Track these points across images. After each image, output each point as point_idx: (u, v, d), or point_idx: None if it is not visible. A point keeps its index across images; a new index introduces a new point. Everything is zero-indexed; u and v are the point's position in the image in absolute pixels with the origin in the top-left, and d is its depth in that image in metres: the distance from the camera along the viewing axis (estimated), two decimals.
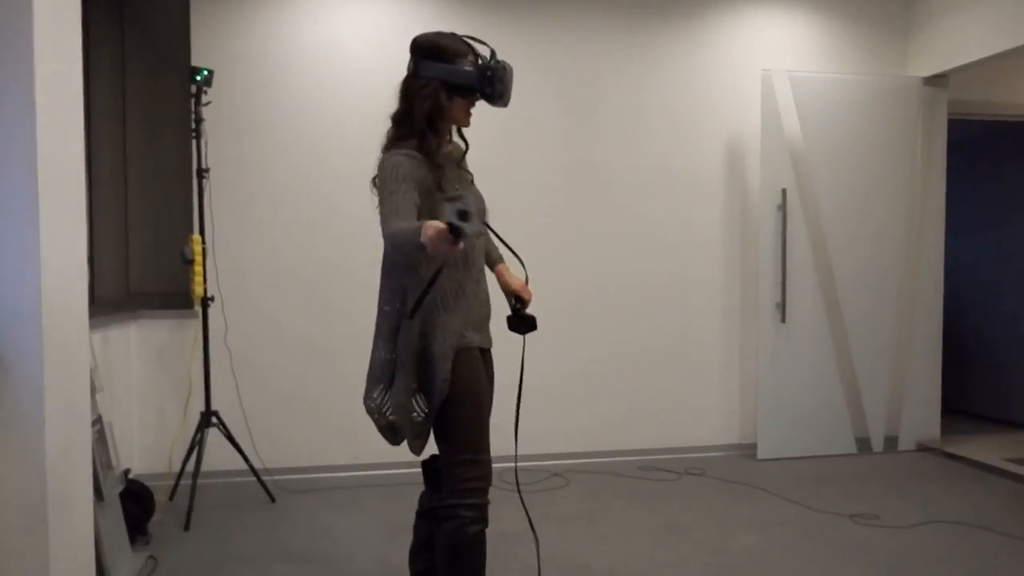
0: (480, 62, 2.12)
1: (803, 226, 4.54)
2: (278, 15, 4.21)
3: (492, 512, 2.10)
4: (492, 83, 2.08)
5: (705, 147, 4.68)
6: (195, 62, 4.02)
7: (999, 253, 5.62)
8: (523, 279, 2.36)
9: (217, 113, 4.03)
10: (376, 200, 2.07)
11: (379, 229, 1.98)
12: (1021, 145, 5.44)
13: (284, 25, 4.22)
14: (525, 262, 2.29)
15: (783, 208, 4.48)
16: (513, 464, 2.55)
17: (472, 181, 2.30)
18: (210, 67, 3.83)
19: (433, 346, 2.07)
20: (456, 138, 2.29)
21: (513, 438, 2.29)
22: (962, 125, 5.30)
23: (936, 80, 4.70)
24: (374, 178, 2.11)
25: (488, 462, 2.13)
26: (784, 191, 4.48)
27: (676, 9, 4.61)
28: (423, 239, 1.79)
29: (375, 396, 2.17)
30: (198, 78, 3.68)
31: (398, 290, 2.13)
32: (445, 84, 2.09)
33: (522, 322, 2.26)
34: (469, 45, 2.15)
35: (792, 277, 4.53)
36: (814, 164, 4.55)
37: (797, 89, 4.50)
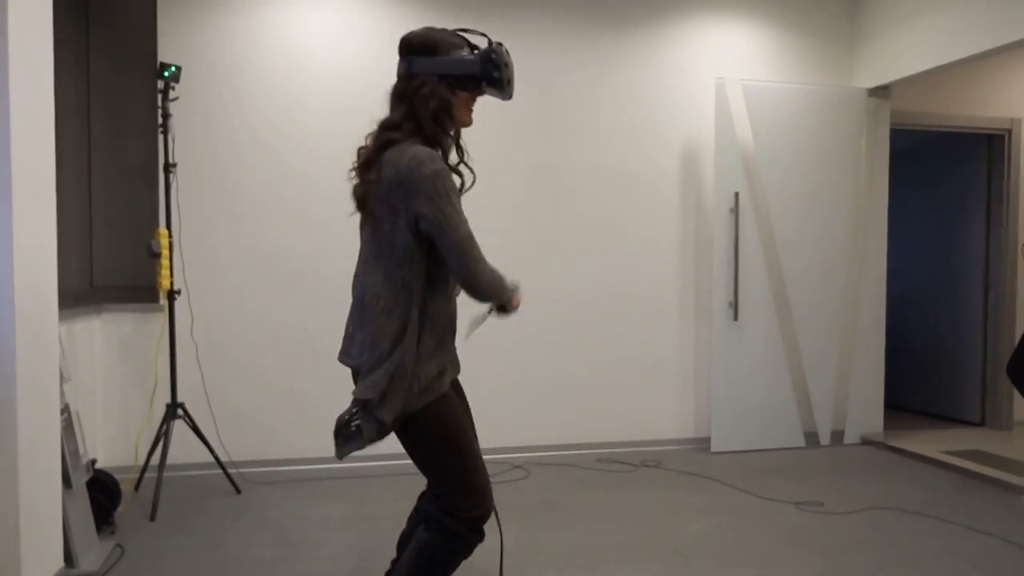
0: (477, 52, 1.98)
1: (755, 228, 4.73)
2: (247, 7, 4.25)
3: None
4: (498, 67, 1.93)
5: (661, 151, 4.84)
6: (163, 58, 4.05)
7: (938, 258, 5.90)
8: None
9: (185, 108, 4.08)
10: (354, 175, 1.96)
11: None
12: (959, 154, 5.72)
13: (254, 18, 4.25)
14: None
15: (736, 211, 4.67)
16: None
17: None
18: (178, 63, 3.87)
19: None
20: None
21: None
22: (904, 135, 5.56)
23: (879, 91, 4.94)
24: (359, 167, 1.97)
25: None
26: (737, 194, 4.67)
27: (634, 17, 4.77)
28: (510, 297, 1.96)
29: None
30: (166, 74, 3.70)
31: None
32: (444, 79, 1.93)
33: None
34: (463, 38, 2.00)
35: (744, 277, 4.72)
36: (765, 169, 4.75)
37: (749, 97, 4.70)
